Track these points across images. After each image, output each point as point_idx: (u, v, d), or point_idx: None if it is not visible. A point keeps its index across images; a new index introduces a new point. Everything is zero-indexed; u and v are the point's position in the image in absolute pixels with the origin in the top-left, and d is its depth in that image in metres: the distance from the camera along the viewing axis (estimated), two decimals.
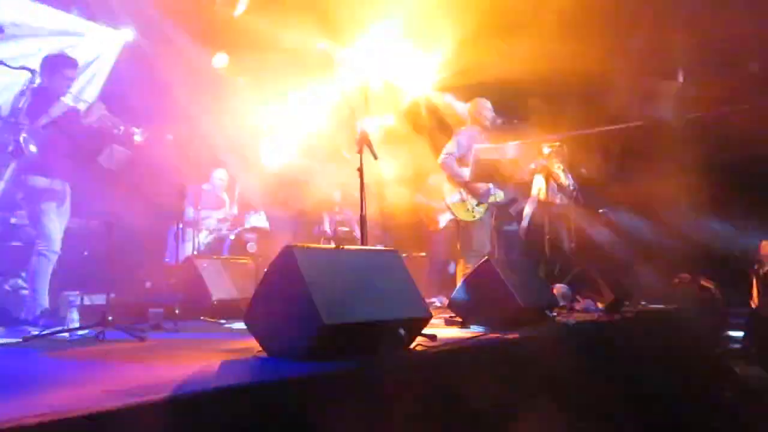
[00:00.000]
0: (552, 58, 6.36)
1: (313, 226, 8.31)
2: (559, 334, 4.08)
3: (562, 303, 4.98)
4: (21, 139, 3.95)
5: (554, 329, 4.15)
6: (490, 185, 5.75)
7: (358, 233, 8.15)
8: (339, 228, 8.32)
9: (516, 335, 3.57)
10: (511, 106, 6.84)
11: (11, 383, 2.18)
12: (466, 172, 5.72)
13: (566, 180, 6.55)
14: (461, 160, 5.88)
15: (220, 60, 8.11)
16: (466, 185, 5.80)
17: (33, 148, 3.97)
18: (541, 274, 5.57)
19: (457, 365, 2.98)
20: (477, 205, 5.83)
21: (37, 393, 2.02)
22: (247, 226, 7.19)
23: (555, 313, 4.63)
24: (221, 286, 5.30)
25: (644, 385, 4.42)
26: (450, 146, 5.93)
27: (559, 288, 5.27)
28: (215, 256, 6.24)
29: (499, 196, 5.96)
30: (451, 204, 5.85)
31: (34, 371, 2.52)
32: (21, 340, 3.48)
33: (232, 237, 6.68)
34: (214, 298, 5.11)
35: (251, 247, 6.66)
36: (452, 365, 2.95)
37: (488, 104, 6.10)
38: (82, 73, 5.91)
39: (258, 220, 7.32)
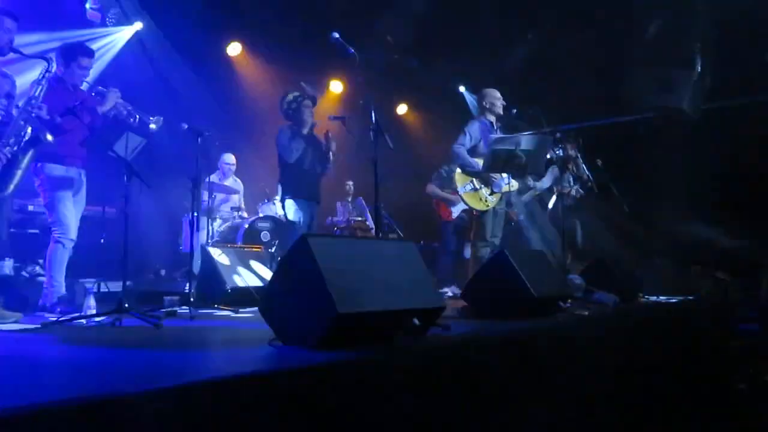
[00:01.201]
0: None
1: (327, 216, 8.36)
2: (573, 325, 4.07)
3: (575, 294, 4.96)
4: (37, 127, 3.97)
5: (567, 320, 4.14)
6: (504, 175, 5.71)
7: (371, 223, 8.20)
8: (352, 217, 8.35)
9: (529, 326, 3.57)
10: (525, 96, 6.80)
11: (28, 368, 2.21)
12: (478, 163, 5.70)
13: (582, 171, 6.51)
14: (473, 151, 5.86)
15: (234, 48, 8.22)
16: (479, 175, 5.78)
17: (49, 137, 3.98)
18: (554, 265, 5.54)
19: (469, 356, 2.98)
20: (490, 194, 5.81)
21: (51, 378, 2.05)
22: (260, 214, 7.22)
23: (568, 304, 4.62)
24: (235, 275, 5.33)
25: (657, 378, 4.40)
26: (461, 137, 5.90)
27: (572, 279, 5.25)
28: (229, 245, 6.28)
29: (513, 186, 5.94)
30: (464, 194, 5.83)
31: (50, 357, 2.56)
32: (39, 326, 3.53)
33: (246, 226, 6.71)
34: (229, 286, 5.15)
35: (265, 235, 6.69)
36: (465, 355, 2.95)
37: (498, 94, 6.06)
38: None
39: (271, 208, 7.35)
